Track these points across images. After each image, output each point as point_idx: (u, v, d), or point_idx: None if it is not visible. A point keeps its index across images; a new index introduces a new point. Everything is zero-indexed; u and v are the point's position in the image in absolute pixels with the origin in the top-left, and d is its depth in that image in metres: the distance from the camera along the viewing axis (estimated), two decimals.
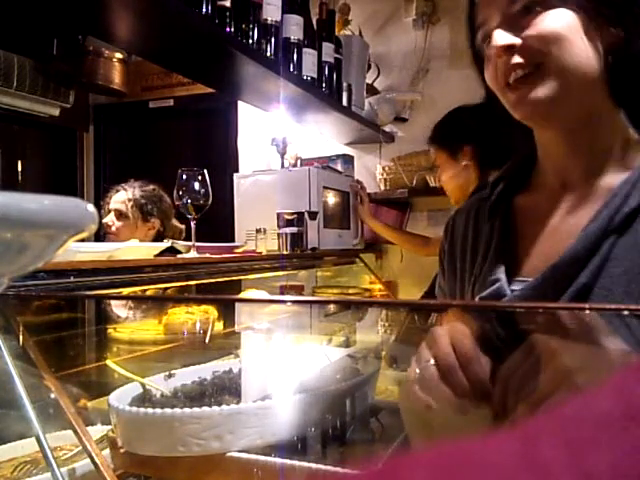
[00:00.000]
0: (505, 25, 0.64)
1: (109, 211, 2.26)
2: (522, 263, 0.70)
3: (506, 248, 0.72)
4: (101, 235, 2.25)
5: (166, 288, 1.18)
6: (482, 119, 1.54)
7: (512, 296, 0.66)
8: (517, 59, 0.63)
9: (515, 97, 0.65)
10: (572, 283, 0.62)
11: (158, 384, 0.68)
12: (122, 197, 2.26)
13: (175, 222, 2.37)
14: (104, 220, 2.24)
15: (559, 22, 0.62)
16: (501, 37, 0.63)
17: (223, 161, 3.10)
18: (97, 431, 0.71)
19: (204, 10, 1.47)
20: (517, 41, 0.62)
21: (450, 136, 1.80)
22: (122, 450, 0.59)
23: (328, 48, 2.12)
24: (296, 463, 0.54)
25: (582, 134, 0.67)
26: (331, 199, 2.25)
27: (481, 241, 0.76)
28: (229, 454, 0.53)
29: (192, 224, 1.49)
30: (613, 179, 0.66)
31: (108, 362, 0.80)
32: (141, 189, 2.28)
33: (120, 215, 2.25)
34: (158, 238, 2.26)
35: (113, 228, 2.23)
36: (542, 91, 0.63)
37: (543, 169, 0.74)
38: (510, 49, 0.63)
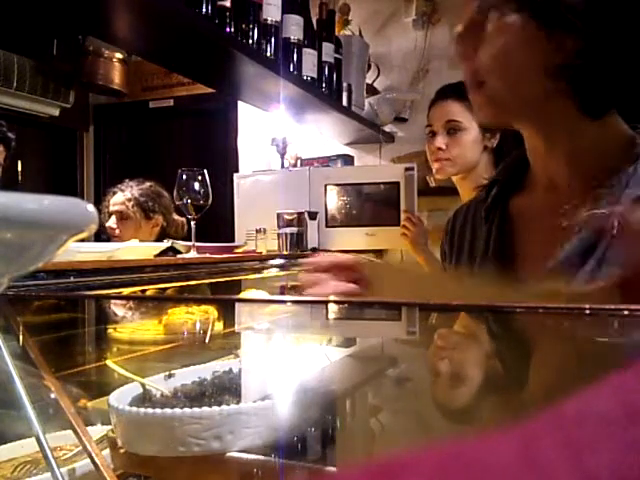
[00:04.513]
0: (466, 30, 0.68)
1: (109, 214, 2.24)
2: (519, 263, 0.71)
3: (504, 248, 0.73)
4: (103, 239, 2.22)
5: (166, 288, 1.18)
6: None
7: None
8: (467, 74, 0.69)
9: (473, 101, 0.70)
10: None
11: (158, 384, 0.68)
12: (121, 198, 2.25)
13: (176, 216, 2.35)
14: (107, 224, 2.22)
15: (507, 43, 0.64)
16: (457, 50, 0.69)
17: (223, 161, 3.10)
18: (97, 431, 0.71)
19: (204, 10, 1.47)
20: (470, 54, 0.68)
21: None
22: (122, 450, 0.59)
23: (328, 48, 2.12)
24: (296, 463, 0.54)
25: (558, 136, 0.68)
26: (333, 197, 2.25)
27: (479, 242, 0.77)
28: (229, 454, 0.53)
29: (192, 224, 1.49)
30: (606, 177, 0.65)
31: (108, 362, 0.80)
32: (138, 187, 2.27)
33: (122, 217, 2.22)
34: (162, 234, 2.26)
35: (117, 231, 2.22)
36: (485, 100, 0.68)
37: (534, 170, 0.75)
38: (464, 59, 0.68)
